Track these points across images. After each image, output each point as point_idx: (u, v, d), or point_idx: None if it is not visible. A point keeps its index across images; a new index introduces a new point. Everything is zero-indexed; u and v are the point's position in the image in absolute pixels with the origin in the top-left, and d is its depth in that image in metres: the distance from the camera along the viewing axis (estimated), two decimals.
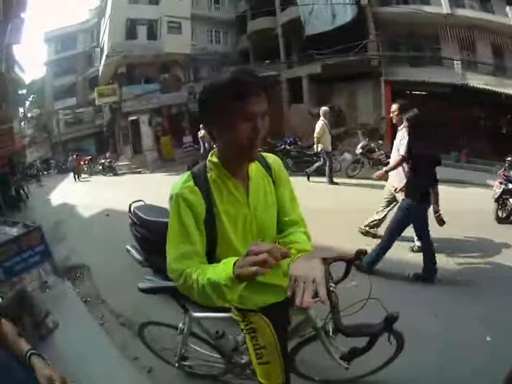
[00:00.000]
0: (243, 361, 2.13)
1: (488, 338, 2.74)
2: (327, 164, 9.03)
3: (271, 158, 1.56)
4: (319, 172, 9.78)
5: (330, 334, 1.71)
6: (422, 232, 3.92)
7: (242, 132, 1.18)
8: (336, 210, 6.75)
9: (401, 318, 1.51)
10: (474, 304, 3.32)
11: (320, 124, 8.62)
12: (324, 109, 8.81)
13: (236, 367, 2.19)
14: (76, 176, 19.88)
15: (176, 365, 2.44)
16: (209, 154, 1.41)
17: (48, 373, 1.15)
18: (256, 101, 1.17)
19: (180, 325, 2.20)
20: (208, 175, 1.35)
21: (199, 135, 13.56)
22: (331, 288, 1.53)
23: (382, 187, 5.29)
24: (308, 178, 9.72)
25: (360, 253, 1.75)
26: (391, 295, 2.06)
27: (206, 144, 12.65)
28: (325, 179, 9.40)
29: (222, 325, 2.18)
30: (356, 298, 1.62)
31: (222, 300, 1.12)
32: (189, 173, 1.37)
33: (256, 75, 1.20)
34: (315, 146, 8.97)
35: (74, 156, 21.52)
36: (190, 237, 1.28)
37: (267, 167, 1.51)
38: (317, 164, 9.51)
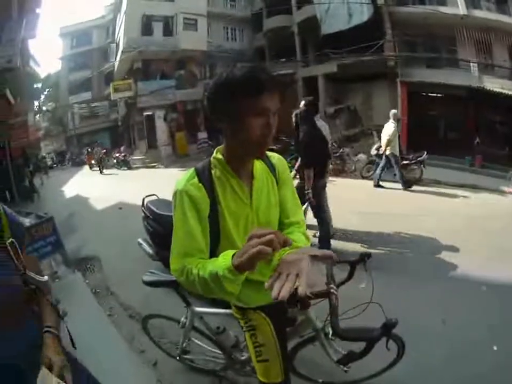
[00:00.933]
0: (243, 358, 2.14)
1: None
2: (397, 168, 8.54)
3: (275, 157, 1.56)
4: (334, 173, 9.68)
5: (330, 336, 1.71)
6: None
7: (255, 128, 1.19)
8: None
9: None
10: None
11: (392, 126, 8.24)
12: (393, 111, 8.52)
13: (236, 363, 2.21)
14: (99, 169, 19.84)
15: (178, 358, 2.47)
16: (214, 151, 1.41)
17: (50, 356, 1.14)
18: (270, 98, 1.18)
19: (182, 319, 2.23)
20: (213, 172, 1.36)
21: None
22: (332, 290, 1.54)
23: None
24: (378, 185, 8.92)
25: (365, 255, 1.76)
26: None
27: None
28: (386, 184, 9.04)
29: (224, 321, 2.21)
30: (358, 301, 1.63)
31: (224, 292, 1.11)
32: (192, 169, 1.37)
33: (271, 73, 1.21)
34: (383, 149, 8.48)
35: (89, 149, 21.89)
36: (193, 234, 1.29)
37: (271, 166, 1.51)
38: (380, 168, 8.87)
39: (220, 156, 1.37)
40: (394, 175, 8.72)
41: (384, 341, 1.54)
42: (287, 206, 1.53)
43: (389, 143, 8.23)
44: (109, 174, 18.71)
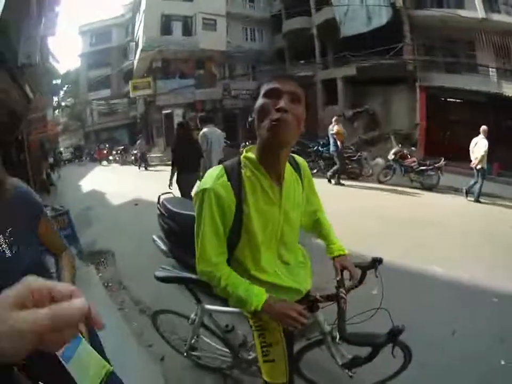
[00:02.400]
0: (250, 357, 2.15)
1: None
2: (482, 182, 8.49)
3: (298, 158, 1.60)
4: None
5: (337, 340, 1.71)
6: None
7: (265, 109, 1.24)
8: None
9: None
10: None
11: (485, 142, 8.25)
12: (484, 127, 8.45)
13: (243, 362, 2.21)
14: (139, 165, 19.17)
15: (185, 354, 2.48)
16: (244, 150, 1.42)
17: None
18: (283, 81, 1.26)
19: (192, 315, 2.24)
20: (243, 171, 1.35)
21: (331, 132, 10.26)
22: (341, 294, 1.53)
23: None
24: (478, 200, 8.55)
25: (375, 261, 1.75)
26: None
27: (339, 143, 10.13)
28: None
29: (233, 319, 2.24)
30: (367, 306, 1.63)
31: (240, 309, 1.37)
32: (221, 167, 1.36)
33: (293, 74, 1.35)
34: (475, 163, 8.42)
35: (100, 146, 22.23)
36: (220, 235, 1.33)
37: (296, 166, 1.55)
38: (473, 183, 8.72)
39: (251, 155, 1.36)
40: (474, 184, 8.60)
41: (390, 348, 1.54)
42: (311, 198, 1.67)
43: (482, 158, 8.26)
44: (119, 170, 18.86)
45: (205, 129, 6.11)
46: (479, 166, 8.29)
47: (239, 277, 1.37)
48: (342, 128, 10.05)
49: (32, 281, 0.49)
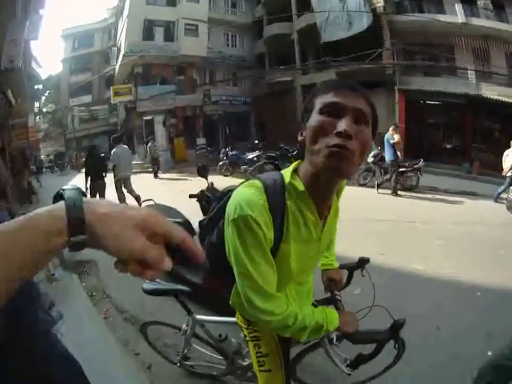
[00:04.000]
0: (245, 363, 2.14)
1: None
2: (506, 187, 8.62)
3: None
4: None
5: (334, 341, 1.72)
6: None
7: (322, 130, 0.99)
8: None
9: None
10: None
11: None
12: None
13: (238, 369, 2.21)
14: (155, 173, 16.56)
15: (178, 364, 2.46)
16: (288, 171, 1.15)
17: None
18: (346, 94, 1.00)
19: (184, 326, 2.23)
20: (288, 203, 1.11)
21: (391, 141, 9.40)
22: (337, 296, 1.56)
23: None
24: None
25: (363, 261, 1.79)
26: None
27: (398, 152, 9.37)
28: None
29: (225, 328, 2.22)
30: (355, 307, 1.63)
31: (309, 337, 1.22)
32: (261, 187, 1.09)
33: (359, 86, 1.05)
34: (506, 171, 8.63)
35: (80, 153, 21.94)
36: (273, 266, 1.11)
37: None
38: (502, 188, 8.81)
39: (299, 185, 1.10)
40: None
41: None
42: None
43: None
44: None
45: (114, 149, 8.17)
46: (509, 174, 8.57)
47: (301, 304, 1.26)
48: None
49: (159, 219, 0.55)
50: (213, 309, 2.22)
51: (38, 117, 32.80)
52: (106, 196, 7.81)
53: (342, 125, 0.95)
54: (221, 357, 2.26)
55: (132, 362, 2.89)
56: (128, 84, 22.84)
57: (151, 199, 4.70)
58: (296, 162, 1.18)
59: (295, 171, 1.14)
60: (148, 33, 21.27)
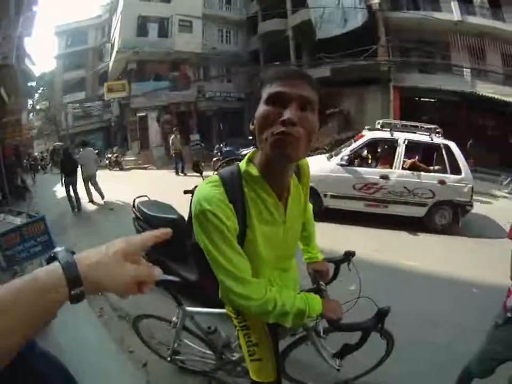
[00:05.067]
0: (234, 358, 2.14)
1: None
2: None
3: (302, 161, 1.39)
4: None
5: (321, 334, 1.72)
6: None
7: (268, 120, 1.03)
8: None
9: None
10: None
11: None
12: None
13: (227, 363, 2.20)
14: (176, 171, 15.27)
15: (169, 359, 2.45)
16: (244, 160, 1.22)
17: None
18: (291, 83, 1.03)
19: (174, 319, 2.22)
20: (245, 190, 1.18)
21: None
22: (322, 287, 1.56)
23: None
24: None
25: (349, 255, 1.78)
26: None
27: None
28: None
29: (215, 320, 2.21)
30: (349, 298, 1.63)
31: (293, 323, 1.23)
32: (218, 180, 1.16)
33: (304, 72, 1.11)
34: None
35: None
36: (240, 253, 1.16)
37: (297, 171, 1.38)
38: None
39: (254, 170, 1.17)
40: None
41: (372, 340, 1.57)
42: (306, 208, 1.57)
43: None
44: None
45: (81, 152, 9.93)
46: None
47: (281, 289, 1.26)
48: None
49: (131, 240, 0.63)
50: (204, 303, 2.22)
51: (32, 114, 32.59)
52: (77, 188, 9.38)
53: (287, 113, 0.99)
54: (210, 352, 2.26)
55: (127, 360, 2.87)
56: (122, 80, 22.73)
57: (145, 195, 4.66)
58: (252, 151, 1.24)
59: (250, 160, 1.21)
60: (142, 30, 21.14)
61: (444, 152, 6.29)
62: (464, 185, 6.19)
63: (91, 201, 9.79)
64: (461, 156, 6.29)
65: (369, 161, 7.41)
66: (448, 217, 6.31)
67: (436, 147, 6.50)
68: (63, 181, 9.22)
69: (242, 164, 1.21)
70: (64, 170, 9.27)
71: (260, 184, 1.18)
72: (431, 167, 6.64)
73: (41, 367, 1.27)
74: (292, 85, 1.03)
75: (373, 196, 6.48)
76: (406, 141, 6.44)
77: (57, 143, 27.75)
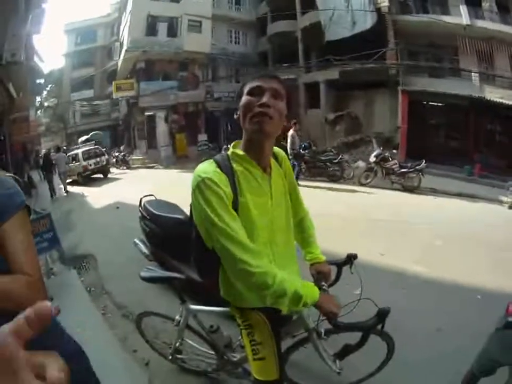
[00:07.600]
0: (235, 359, 2.14)
1: None
2: None
3: (276, 149, 1.65)
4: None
5: (323, 335, 1.72)
6: None
7: (250, 105, 1.33)
8: None
9: None
10: None
11: None
12: None
13: (228, 364, 2.20)
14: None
15: (170, 357, 2.46)
16: (230, 146, 1.48)
17: None
18: (265, 80, 1.36)
19: (177, 317, 2.22)
20: (234, 165, 1.40)
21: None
22: (324, 287, 1.58)
23: None
24: None
25: (351, 257, 1.79)
26: None
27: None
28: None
29: (217, 320, 2.23)
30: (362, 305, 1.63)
31: (289, 307, 1.31)
32: (211, 161, 1.39)
33: (274, 73, 1.43)
34: None
35: None
36: (237, 219, 1.30)
37: (276, 158, 1.63)
38: None
39: (239, 151, 1.43)
40: None
41: (373, 344, 1.56)
42: (293, 194, 1.72)
43: None
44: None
45: (56, 155, 14.02)
46: None
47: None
48: None
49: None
50: (208, 302, 2.22)
51: (40, 111, 32.77)
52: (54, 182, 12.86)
53: (263, 99, 1.31)
54: (212, 351, 2.26)
55: (130, 359, 2.87)
56: (130, 79, 22.84)
57: (152, 194, 4.66)
58: (236, 142, 1.50)
59: (234, 146, 1.47)
60: (151, 29, 21.22)
61: None
62: None
63: (66, 191, 13.47)
64: None
65: None
66: None
67: None
68: (44, 175, 13.61)
69: (229, 150, 1.47)
70: (44, 169, 13.48)
71: (245, 160, 1.41)
72: None
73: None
74: (266, 80, 1.36)
75: None
76: None
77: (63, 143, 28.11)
